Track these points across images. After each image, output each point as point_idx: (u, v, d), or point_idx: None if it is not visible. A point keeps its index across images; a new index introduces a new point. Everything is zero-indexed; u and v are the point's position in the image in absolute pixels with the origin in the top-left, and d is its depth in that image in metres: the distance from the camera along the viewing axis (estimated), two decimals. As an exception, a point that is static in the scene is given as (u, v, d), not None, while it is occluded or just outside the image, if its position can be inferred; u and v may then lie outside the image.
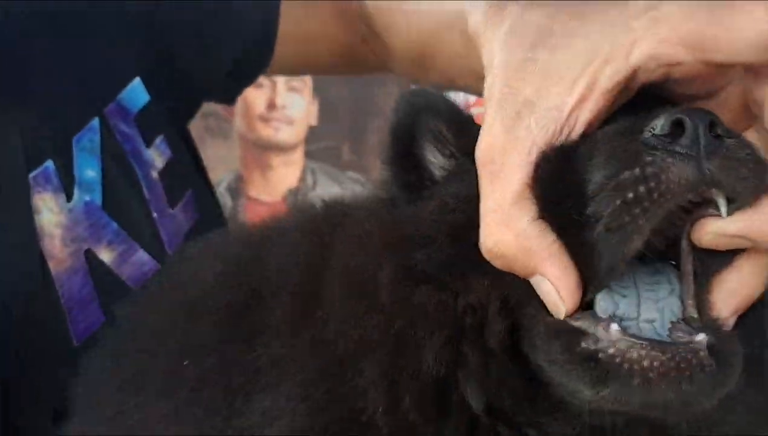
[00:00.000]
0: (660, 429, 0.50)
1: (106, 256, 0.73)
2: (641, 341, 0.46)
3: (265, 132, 2.27)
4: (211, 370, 0.56)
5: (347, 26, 0.99)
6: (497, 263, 0.50)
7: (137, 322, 0.65)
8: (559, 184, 0.48)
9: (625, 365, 0.46)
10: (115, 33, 0.85)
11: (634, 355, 0.46)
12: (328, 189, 2.36)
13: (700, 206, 0.47)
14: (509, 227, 0.49)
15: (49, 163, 0.72)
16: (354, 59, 1.03)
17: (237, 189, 2.23)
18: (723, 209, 0.47)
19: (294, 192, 2.35)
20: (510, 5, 0.54)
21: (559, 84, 0.49)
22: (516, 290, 0.50)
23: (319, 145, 2.38)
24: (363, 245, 0.56)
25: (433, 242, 0.54)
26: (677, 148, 0.46)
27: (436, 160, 0.60)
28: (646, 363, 0.45)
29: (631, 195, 0.46)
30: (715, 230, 0.47)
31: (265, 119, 2.26)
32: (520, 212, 0.49)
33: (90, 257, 0.72)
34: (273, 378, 0.54)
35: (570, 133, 0.49)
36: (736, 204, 0.47)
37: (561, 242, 0.48)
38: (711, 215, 0.47)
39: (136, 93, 0.85)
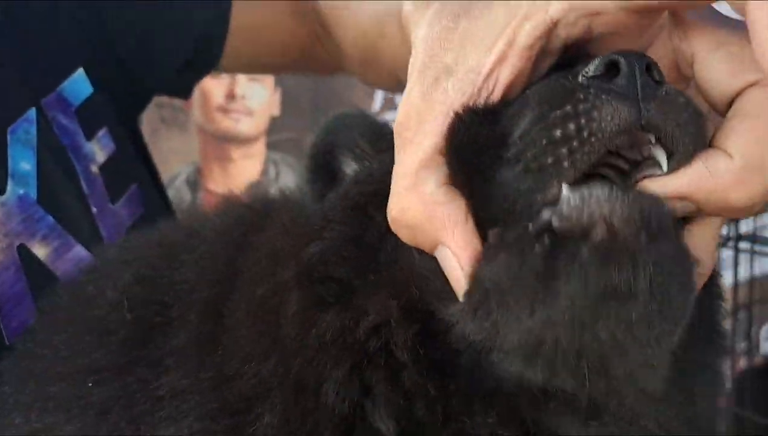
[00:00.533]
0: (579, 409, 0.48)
1: (40, 251, 0.71)
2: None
3: (224, 123, 2.23)
4: (117, 394, 0.55)
5: (302, 23, 0.99)
6: (403, 235, 0.49)
7: (47, 337, 0.62)
8: (478, 143, 0.46)
9: (585, 216, 0.40)
10: (57, 22, 0.83)
11: (593, 198, 0.41)
12: (290, 181, 2.33)
13: (636, 169, 0.45)
14: (416, 192, 0.48)
15: None
16: (309, 58, 1.02)
17: (196, 182, 2.19)
18: (663, 162, 0.44)
19: (256, 184, 2.32)
20: None
21: (478, 46, 0.48)
22: (420, 284, 0.49)
23: (281, 137, 2.35)
24: (274, 262, 0.55)
25: (333, 224, 0.52)
26: (612, 87, 0.43)
27: None
28: (606, 209, 0.40)
29: (558, 132, 0.43)
30: (653, 191, 0.45)
31: (224, 110, 2.22)
32: (428, 177, 0.48)
33: (23, 252, 0.70)
34: (174, 410, 0.52)
35: (490, 94, 0.48)
36: (674, 160, 0.44)
37: (469, 209, 0.47)
38: (647, 177, 0.45)
39: (78, 84, 0.83)
